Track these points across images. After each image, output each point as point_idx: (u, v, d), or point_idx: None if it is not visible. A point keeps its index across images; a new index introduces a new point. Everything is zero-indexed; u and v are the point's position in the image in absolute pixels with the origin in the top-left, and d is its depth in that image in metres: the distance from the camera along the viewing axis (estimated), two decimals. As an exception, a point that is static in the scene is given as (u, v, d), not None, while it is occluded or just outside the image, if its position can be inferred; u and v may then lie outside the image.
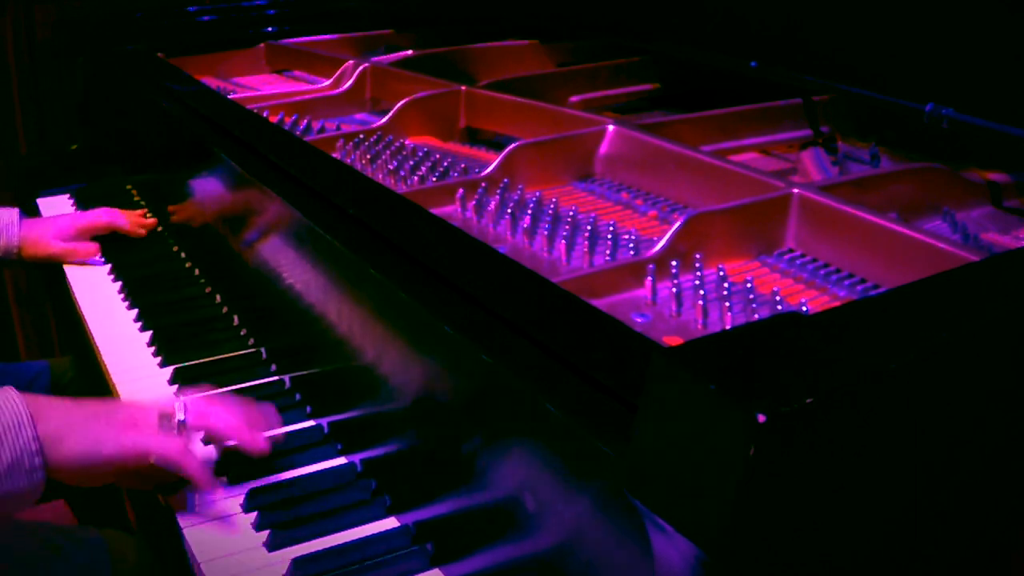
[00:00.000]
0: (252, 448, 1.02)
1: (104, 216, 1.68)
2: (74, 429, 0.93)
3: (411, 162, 1.43)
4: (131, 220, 1.71)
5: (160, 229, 1.76)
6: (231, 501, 1.03)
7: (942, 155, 1.27)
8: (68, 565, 1.10)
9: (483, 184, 1.30)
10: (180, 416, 1.00)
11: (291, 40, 2.16)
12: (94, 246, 1.67)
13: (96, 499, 1.59)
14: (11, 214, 1.62)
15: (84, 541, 1.14)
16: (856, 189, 1.16)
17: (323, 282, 1.11)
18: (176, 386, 1.24)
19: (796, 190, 1.13)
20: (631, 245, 1.15)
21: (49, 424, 0.92)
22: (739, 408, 0.54)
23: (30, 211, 1.92)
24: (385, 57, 1.97)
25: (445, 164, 1.43)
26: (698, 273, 1.07)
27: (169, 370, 1.29)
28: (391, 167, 1.42)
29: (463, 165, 1.44)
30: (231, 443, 1.04)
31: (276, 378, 1.26)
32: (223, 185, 1.40)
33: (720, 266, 1.09)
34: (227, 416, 1.03)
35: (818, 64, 1.45)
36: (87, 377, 1.38)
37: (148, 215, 1.77)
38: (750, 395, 0.55)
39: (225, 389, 1.22)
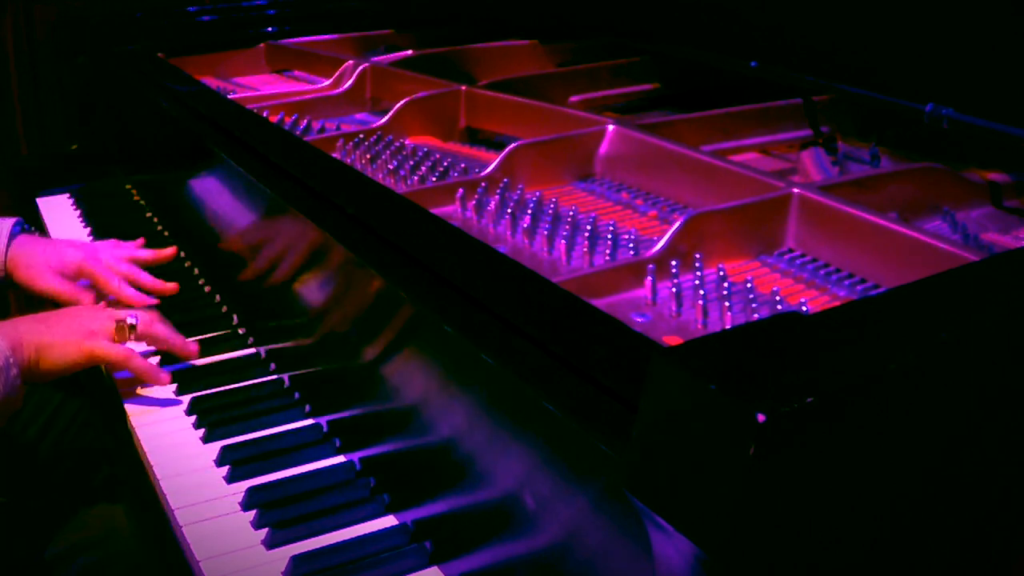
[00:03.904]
0: (184, 351, 1.26)
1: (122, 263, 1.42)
2: (46, 350, 1.15)
3: (411, 162, 1.43)
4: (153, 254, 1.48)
5: (160, 229, 1.76)
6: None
7: (942, 155, 1.27)
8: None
9: (483, 184, 1.30)
10: (131, 321, 1.20)
11: (291, 40, 2.16)
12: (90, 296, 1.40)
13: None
14: (3, 225, 1.42)
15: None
16: (856, 189, 1.16)
17: (322, 281, 1.12)
18: (175, 385, 1.24)
19: (796, 190, 1.13)
20: (631, 245, 1.15)
21: (24, 354, 1.13)
22: (739, 408, 0.54)
23: (30, 211, 1.92)
24: (385, 57, 1.97)
25: (445, 164, 1.43)
26: (698, 273, 1.07)
27: (168, 369, 1.28)
28: (391, 167, 1.42)
29: (463, 165, 1.44)
30: (168, 345, 1.25)
31: (275, 377, 1.26)
32: (223, 185, 1.40)
33: (720, 266, 1.09)
34: (167, 326, 1.26)
35: (818, 64, 1.45)
36: (87, 376, 1.38)
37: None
38: (750, 395, 0.55)
39: (224, 388, 1.24)
